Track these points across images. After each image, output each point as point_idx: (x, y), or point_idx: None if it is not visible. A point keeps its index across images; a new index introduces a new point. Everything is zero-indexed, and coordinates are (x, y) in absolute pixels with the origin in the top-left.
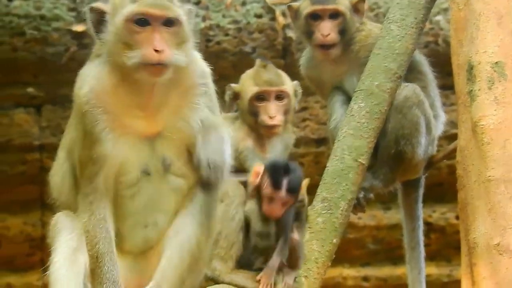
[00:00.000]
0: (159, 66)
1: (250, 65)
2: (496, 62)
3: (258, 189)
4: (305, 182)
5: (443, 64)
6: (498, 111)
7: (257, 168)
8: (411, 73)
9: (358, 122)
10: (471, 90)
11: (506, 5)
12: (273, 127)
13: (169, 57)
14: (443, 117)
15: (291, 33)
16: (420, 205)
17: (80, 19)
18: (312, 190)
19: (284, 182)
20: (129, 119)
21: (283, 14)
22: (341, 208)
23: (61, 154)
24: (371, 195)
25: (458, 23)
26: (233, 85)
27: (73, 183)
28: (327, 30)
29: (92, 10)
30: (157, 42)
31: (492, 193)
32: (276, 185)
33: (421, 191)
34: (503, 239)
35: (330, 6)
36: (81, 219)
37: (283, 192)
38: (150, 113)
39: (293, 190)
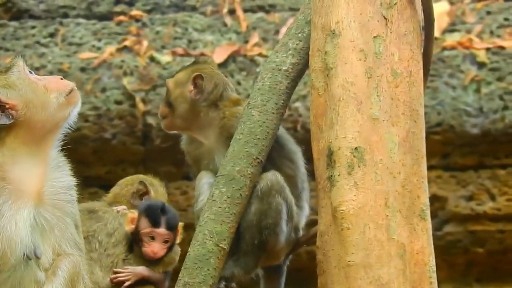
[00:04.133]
0: (75, 89)
1: (111, 151)
2: (356, 148)
3: (136, 234)
4: (180, 224)
5: (302, 151)
6: (358, 196)
7: (131, 214)
8: (282, 160)
9: (220, 207)
10: (331, 176)
11: (365, 91)
12: None
13: None
14: (307, 210)
15: (151, 120)
16: None
17: None
18: (174, 275)
19: (163, 219)
20: (26, 189)
21: (143, 101)
22: None
23: None
24: (233, 284)
25: (318, 108)
26: None
27: None
28: None
29: None
30: None
31: (352, 278)
32: (155, 223)
33: (283, 280)
34: None
35: None
36: None
37: (163, 229)
38: (41, 184)
39: (173, 226)
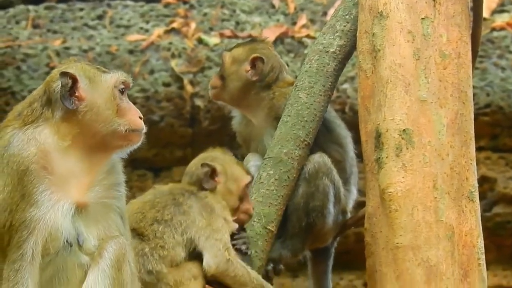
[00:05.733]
0: (142, 133)
1: (158, 133)
2: (404, 130)
3: None
4: None
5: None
6: (406, 178)
7: None
8: (330, 144)
9: (267, 190)
10: (379, 157)
11: (413, 73)
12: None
13: None
14: (355, 194)
15: (199, 102)
16: (330, 276)
17: None
18: None
19: None
20: (69, 184)
21: (191, 83)
22: None
23: None
24: (281, 266)
25: (365, 90)
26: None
27: None
28: None
29: (64, 75)
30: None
31: (400, 260)
32: None
33: (330, 262)
34: None
35: None
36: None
37: None
38: (87, 184)
39: None
